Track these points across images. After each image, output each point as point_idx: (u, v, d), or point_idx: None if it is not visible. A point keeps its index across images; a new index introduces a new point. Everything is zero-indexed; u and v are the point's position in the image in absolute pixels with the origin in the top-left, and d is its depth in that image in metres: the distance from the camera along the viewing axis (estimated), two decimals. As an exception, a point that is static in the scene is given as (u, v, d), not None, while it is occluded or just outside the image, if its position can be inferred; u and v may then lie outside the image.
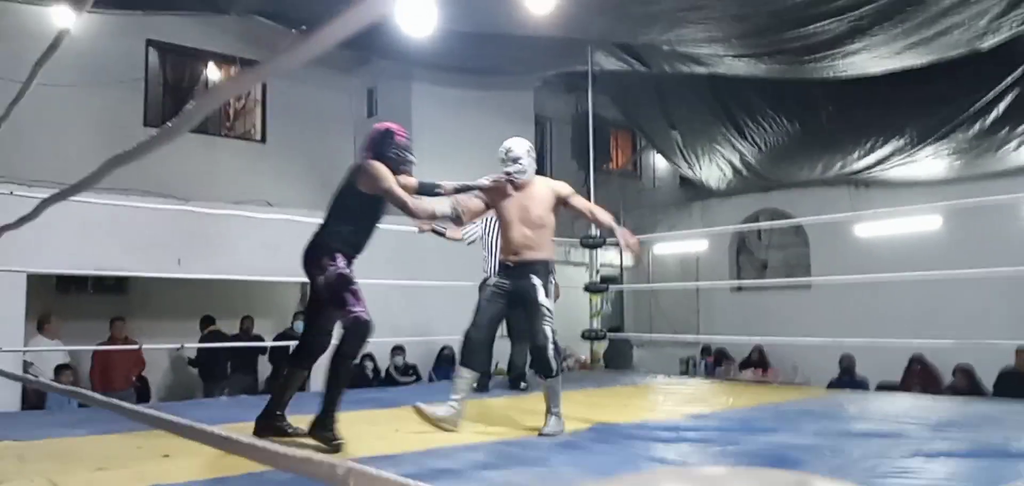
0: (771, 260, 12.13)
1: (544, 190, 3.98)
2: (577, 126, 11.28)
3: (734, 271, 12.12)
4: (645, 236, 11.81)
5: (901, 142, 8.26)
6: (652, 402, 5.15)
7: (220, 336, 8.65)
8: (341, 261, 3.38)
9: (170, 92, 9.86)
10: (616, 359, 9.28)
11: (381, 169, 3.43)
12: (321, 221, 3.52)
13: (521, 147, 3.96)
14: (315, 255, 3.40)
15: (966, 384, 8.19)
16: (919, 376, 8.77)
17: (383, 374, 8.72)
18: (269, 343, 8.54)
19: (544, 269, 3.88)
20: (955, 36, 5.96)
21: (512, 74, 9.44)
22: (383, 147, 3.56)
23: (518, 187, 3.94)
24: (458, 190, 3.87)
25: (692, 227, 11.90)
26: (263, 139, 10.53)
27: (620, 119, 11.64)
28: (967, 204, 7.79)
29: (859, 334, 8.63)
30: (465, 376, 3.82)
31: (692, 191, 11.94)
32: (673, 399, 5.26)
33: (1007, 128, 7.58)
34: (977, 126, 7.62)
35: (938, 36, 5.97)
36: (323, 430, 3.23)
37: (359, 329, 3.26)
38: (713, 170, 10.50)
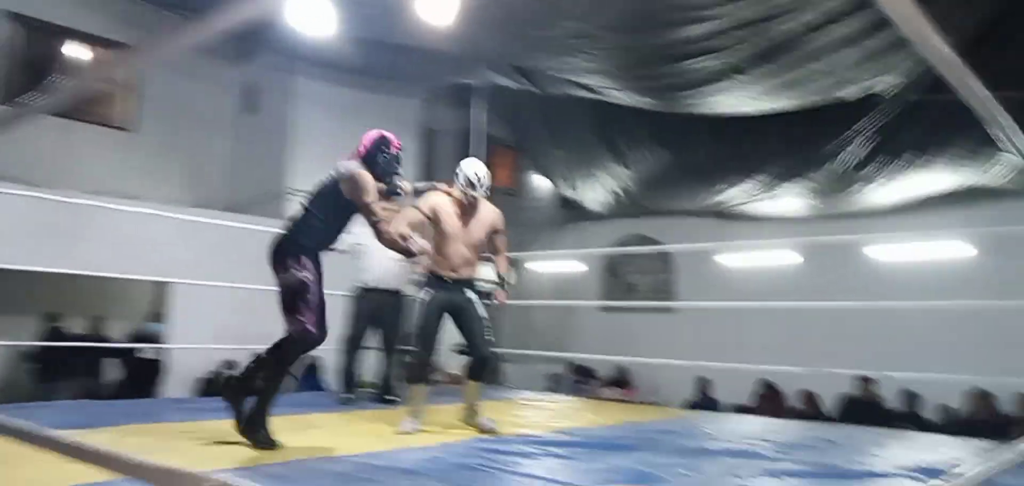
0: (638, 284, 12.62)
1: (489, 216, 4.19)
2: (462, 140, 11.32)
3: (604, 292, 12.51)
4: (520, 254, 12.09)
5: (765, 179, 8.83)
6: (520, 417, 5.21)
7: (62, 335, 8.03)
8: (308, 266, 3.34)
9: (27, 70, 9.02)
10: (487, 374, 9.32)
11: (367, 181, 3.45)
12: (291, 216, 3.48)
13: (488, 177, 4.16)
14: (282, 254, 3.37)
15: (810, 409, 8.82)
16: (767, 400, 9.36)
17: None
18: (118, 345, 8.01)
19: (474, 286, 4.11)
20: (817, 84, 6.46)
21: (401, 82, 9.35)
22: (375, 153, 3.61)
23: (470, 207, 4.07)
24: (416, 191, 3.98)
25: (568, 247, 12.19)
26: (133, 129, 9.86)
27: (504, 136, 11.79)
28: (819, 241, 8.44)
29: (717, 358, 9.12)
30: (422, 393, 3.99)
31: (570, 212, 12.24)
32: (540, 415, 5.35)
33: (858, 172, 8.26)
34: (833, 169, 8.25)
35: (802, 82, 6.45)
36: (255, 430, 3.20)
37: (303, 340, 3.28)
38: (592, 193, 10.83)
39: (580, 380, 11.05)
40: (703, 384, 9.73)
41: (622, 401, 9.47)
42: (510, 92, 8.26)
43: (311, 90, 9.78)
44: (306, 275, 3.33)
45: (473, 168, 4.13)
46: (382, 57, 7.32)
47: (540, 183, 13.55)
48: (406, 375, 3.98)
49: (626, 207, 11.07)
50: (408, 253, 3.66)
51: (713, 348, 9.70)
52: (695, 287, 10.89)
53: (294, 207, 3.65)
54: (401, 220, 3.81)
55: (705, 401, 9.56)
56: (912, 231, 9.08)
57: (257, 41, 8.51)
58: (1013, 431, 6.94)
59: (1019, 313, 8.37)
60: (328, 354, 6.34)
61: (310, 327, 3.27)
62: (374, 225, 3.46)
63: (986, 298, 7.34)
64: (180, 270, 6.97)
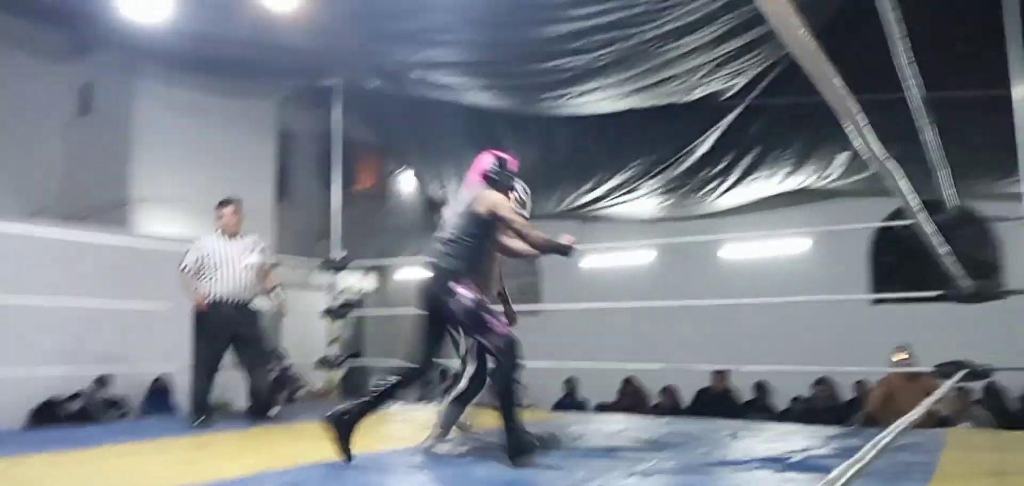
0: (506, 287, 12.66)
1: None
2: (321, 143, 10.94)
3: (474, 297, 12.47)
4: (387, 261, 11.86)
5: (623, 180, 9.09)
6: (391, 431, 5.06)
7: None
8: (471, 286, 3.51)
9: None
10: (354, 387, 9.07)
11: (501, 198, 3.70)
12: (440, 250, 3.64)
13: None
14: (444, 285, 3.51)
15: (670, 403, 9.19)
16: (630, 396, 9.67)
17: (85, 409, 7.60)
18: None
19: None
20: (673, 86, 6.71)
21: (255, 82, 8.87)
22: (499, 176, 3.84)
23: None
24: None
25: (435, 253, 12.06)
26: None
27: (368, 139, 11.49)
28: (676, 242, 8.81)
29: (583, 358, 9.34)
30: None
31: (439, 217, 12.12)
32: (411, 426, 5.21)
33: (711, 174, 8.66)
34: (687, 170, 8.60)
35: (661, 85, 6.68)
36: (524, 453, 3.36)
37: (512, 347, 3.42)
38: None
39: (450, 387, 10.93)
40: (571, 385, 9.92)
41: (492, 406, 9.48)
42: (374, 94, 8.04)
43: (154, 90, 9.09)
44: (475, 293, 3.51)
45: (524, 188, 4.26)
46: (233, 55, 6.89)
47: (407, 187, 13.35)
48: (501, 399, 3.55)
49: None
50: (565, 251, 3.69)
51: (579, 349, 9.91)
52: (561, 289, 11.07)
53: (432, 245, 3.81)
54: (534, 227, 3.79)
55: (573, 402, 9.75)
56: (760, 230, 9.67)
57: (94, 36, 7.81)
58: (851, 416, 7.54)
59: (854, 304, 9.16)
60: (178, 374, 5.92)
61: (509, 331, 3.48)
62: (521, 235, 3.65)
63: (825, 291, 7.89)
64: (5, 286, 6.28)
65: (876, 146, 3.01)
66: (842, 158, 8.11)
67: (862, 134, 1.87)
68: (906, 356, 6.21)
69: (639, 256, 10.65)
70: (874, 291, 9.38)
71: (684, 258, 9.90)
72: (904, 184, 3.45)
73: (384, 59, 6.85)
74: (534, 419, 6.07)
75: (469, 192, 3.82)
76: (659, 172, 8.61)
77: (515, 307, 4.63)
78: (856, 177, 8.27)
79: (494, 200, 3.65)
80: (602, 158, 8.90)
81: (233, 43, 6.62)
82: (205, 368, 5.24)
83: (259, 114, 9.76)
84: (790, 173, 8.37)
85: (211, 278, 5.29)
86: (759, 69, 6.75)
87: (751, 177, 8.48)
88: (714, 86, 6.93)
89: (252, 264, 5.45)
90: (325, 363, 7.15)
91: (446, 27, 5.95)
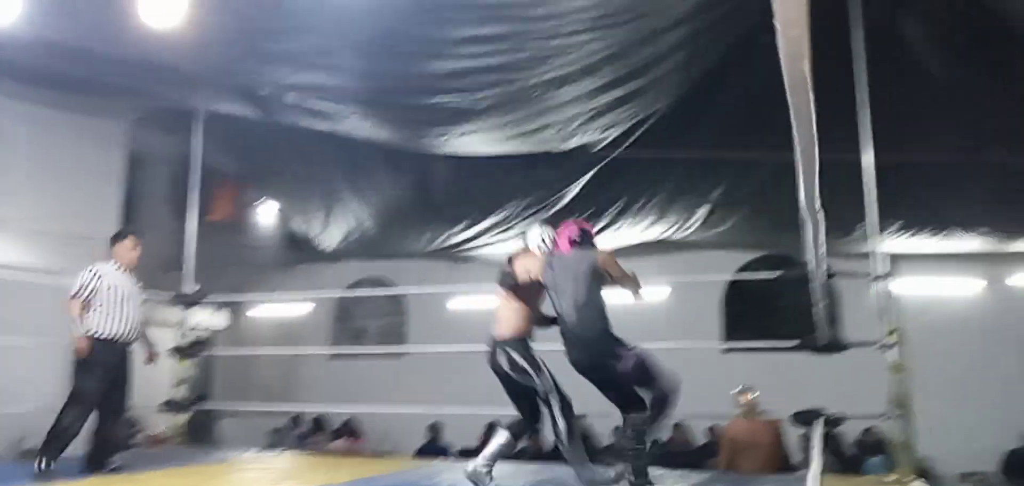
0: (368, 329, 12.36)
1: None
2: (177, 169, 10.21)
3: (334, 338, 12.05)
4: (242, 297, 11.20)
5: (496, 219, 9.09)
6: (241, 482, 4.69)
7: None
8: (622, 342, 4.03)
9: None
10: (199, 432, 8.43)
11: (611, 255, 4.27)
12: (575, 316, 4.09)
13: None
14: (602, 351, 4.03)
15: (533, 446, 9.17)
16: (496, 441, 9.57)
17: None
18: None
19: None
20: (549, 134, 6.80)
21: (106, 98, 8.12)
22: (588, 237, 4.40)
23: None
24: None
25: (296, 289, 11.53)
26: None
27: (227, 167, 10.86)
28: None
29: (449, 402, 9.16)
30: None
31: (299, 251, 11.63)
32: (265, 478, 4.87)
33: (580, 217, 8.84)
34: (557, 214, 8.72)
35: (538, 131, 6.76)
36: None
37: (674, 389, 4.09)
38: (327, 232, 10.36)
39: (305, 434, 10.43)
40: (434, 430, 9.69)
41: (350, 453, 9.08)
42: (237, 120, 7.59)
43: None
44: (630, 350, 4.01)
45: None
46: (80, 64, 6.26)
47: (266, 219, 12.73)
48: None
49: (359, 248, 10.77)
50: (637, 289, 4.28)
51: (444, 392, 9.71)
52: (427, 330, 10.88)
53: (567, 311, 4.17)
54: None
55: (436, 447, 9.51)
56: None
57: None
58: (705, 460, 7.83)
59: (706, 352, 9.55)
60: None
61: (670, 378, 4.06)
62: (630, 284, 4.23)
63: (680, 337, 8.19)
64: None
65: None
66: (702, 211, 8.55)
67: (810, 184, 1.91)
68: (750, 397, 6.47)
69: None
70: (725, 339, 9.88)
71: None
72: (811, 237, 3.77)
73: (257, 79, 6.47)
74: (394, 467, 5.87)
75: (574, 256, 4.27)
76: (531, 215, 8.68)
77: (380, 349, 4.58)
78: (714, 230, 8.74)
79: (611, 260, 4.22)
80: (477, 199, 8.87)
81: (87, 55, 6.03)
82: (84, 408, 4.79)
83: (107, 132, 8.94)
84: (653, 223, 8.70)
85: (108, 313, 4.90)
86: (631, 122, 6.98)
87: (618, 225, 8.74)
88: (588, 137, 7.10)
89: (141, 302, 5.18)
90: (171, 406, 6.59)
91: (327, 50, 5.70)
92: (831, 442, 8.35)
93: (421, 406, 8.47)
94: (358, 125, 7.27)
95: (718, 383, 8.22)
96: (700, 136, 7.26)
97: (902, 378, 4.88)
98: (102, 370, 4.84)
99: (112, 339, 4.90)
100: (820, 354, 5.22)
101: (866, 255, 5.38)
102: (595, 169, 7.82)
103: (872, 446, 8.61)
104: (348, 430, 10.26)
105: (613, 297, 4.18)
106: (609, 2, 4.95)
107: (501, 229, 9.25)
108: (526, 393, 4.36)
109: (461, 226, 9.58)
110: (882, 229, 8.26)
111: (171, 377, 6.73)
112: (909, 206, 7.89)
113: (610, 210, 8.54)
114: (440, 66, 5.83)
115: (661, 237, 9.11)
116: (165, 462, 5.35)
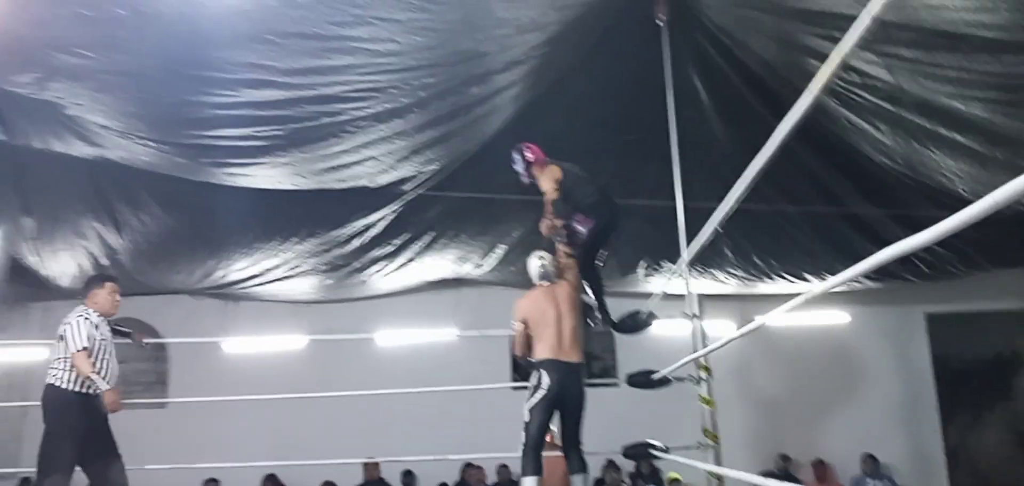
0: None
1: None
2: None
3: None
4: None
5: (283, 256, 8.40)
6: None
7: None
8: None
9: None
10: None
11: None
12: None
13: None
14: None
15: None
16: (275, 496, 8.86)
17: None
18: None
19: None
20: (359, 169, 6.42)
21: None
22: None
23: None
24: None
25: (29, 331, 9.78)
26: None
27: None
28: (329, 326, 8.28)
29: (220, 455, 8.26)
30: None
31: (32, 289, 9.89)
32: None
33: (373, 256, 8.48)
34: (353, 251, 8.30)
35: (349, 166, 6.35)
36: None
37: None
38: (66, 264, 8.88)
39: (34, 498, 8.83)
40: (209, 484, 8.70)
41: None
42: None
43: None
44: None
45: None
46: None
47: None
48: None
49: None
50: None
51: (215, 444, 8.76)
52: (193, 377, 9.74)
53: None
54: None
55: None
56: (413, 314, 9.72)
57: None
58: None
59: (498, 391, 9.57)
60: None
61: None
62: None
63: (469, 377, 8.14)
64: None
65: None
66: (500, 250, 8.61)
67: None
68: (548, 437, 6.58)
69: (289, 340, 9.92)
70: (515, 379, 9.99)
71: (338, 343, 9.44)
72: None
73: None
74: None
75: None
76: (324, 252, 8.15)
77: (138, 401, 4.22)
78: (509, 268, 8.82)
79: None
80: (260, 232, 8.11)
81: None
82: (65, 469, 4.59)
83: None
84: (455, 261, 8.62)
85: (100, 368, 4.69)
86: (446, 160, 6.84)
87: (417, 261, 8.53)
88: (403, 172, 6.83)
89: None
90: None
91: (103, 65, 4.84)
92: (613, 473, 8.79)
93: (187, 461, 7.53)
94: (134, 148, 6.30)
95: (510, 420, 8.31)
96: (507, 177, 7.30)
97: (712, 411, 5.21)
98: (82, 426, 4.65)
99: (96, 394, 4.69)
100: (646, 388, 5.42)
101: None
102: (395, 203, 7.54)
103: (647, 476, 9.18)
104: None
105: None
106: (449, 41, 4.83)
107: (290, 267, 8.56)
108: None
109: (240, 263, 8.72)
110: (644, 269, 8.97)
111: None
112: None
113: (413, 246, 8.31)
114: (232, 96, 5.25)
115: (457, 276, 9.04)
116: None
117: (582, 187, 4.99)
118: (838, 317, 9.95)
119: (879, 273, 8.63)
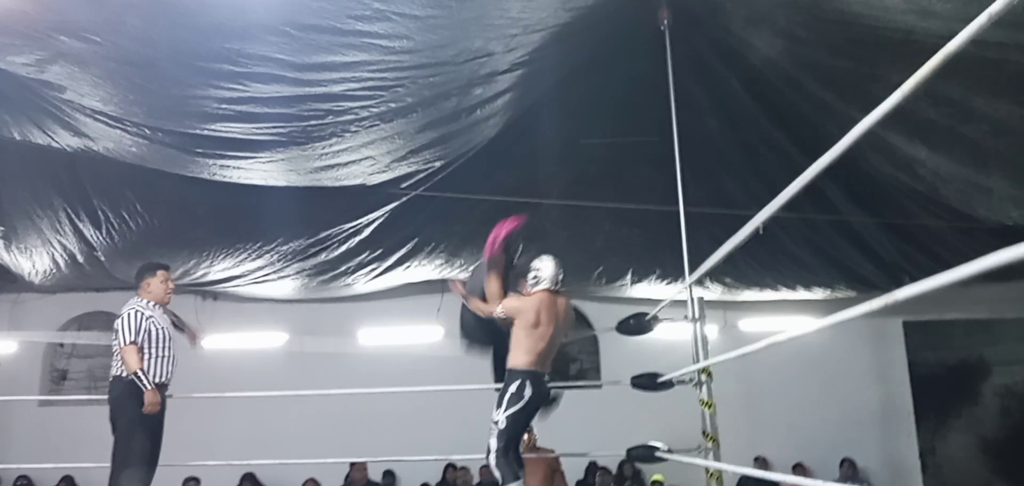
0: (73, 369, 10.56)
1: None
2: None
3: (46, 383, 10.09)
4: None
5: (268, 256, 8.22)
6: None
7: None
8: None
9: None
10: None
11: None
12: None
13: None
14: None
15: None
16: (255, 494, 8.70)
17: None
18: None
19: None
20: (356, 168, 6.31)
21: None
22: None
23: None
24: None
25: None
26: None
27: None
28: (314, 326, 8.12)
29: (196, 453, 8.06)
30: None
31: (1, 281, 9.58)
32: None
33: (362, 260, 8.35)
34: (343, 254, 8.16)
35: (346, 165, 6.24)
36: None
37: None
38: (40, 260, 8.57)
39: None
40: (188, 483, 8.51)
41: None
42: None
43: None
44: None
45: None
46: None
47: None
48: None
49: (85, 278, 9.10)
50: None
51: (195, 441, 8.54)
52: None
53: None
54: None
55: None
56: (396, 315, 9.61)
57: None
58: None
59: (480, 392, 9.51)
60: None
61: None
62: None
63: (451, 378, 8.08)
64: None
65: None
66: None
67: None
68: (527, 436, 6.55)
69: (270, 338, 9.75)
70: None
71: (320, 343, 9.31)
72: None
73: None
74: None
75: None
76: (312, 253, 7.99)
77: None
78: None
79: None
80: (244, 231, 7.92)
81: None
82: (139, 462, 4.70)
83: None
84: (441, 265, 8.53)
85: (160, 356, 4.79)
86: (443, 161, 6.77)
87: (407, 264, 8.43)
88: (399, 171, 6.74)
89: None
90: None
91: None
92: (594, 475, 8.82)
93: (166, 460, 7.33)
94: (123, 141, 6.09)
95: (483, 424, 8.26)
96: (500, 180, 7.26)
97: (712, 413, 5.25)
98: (157, 421, 4.73)
99: (164, 385, 4.82)
100: (654, 391, 5.44)
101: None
102: (389, 205, 7.44)
103: (631, 478, 9.24)
104: (67, 489, 8.66)
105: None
106: (462, 39, 4.77)
107: (275, 266, 8.38)
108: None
109: (218, 260, 8.50)
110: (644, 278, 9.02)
111: None
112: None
113: (403, 247, 8.21)
114: (225, 92, 5.11)
115: (444, 276, 8.94)
116: None
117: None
118: (817, 323, 10.07)
119: (859, 283, 8.82)
